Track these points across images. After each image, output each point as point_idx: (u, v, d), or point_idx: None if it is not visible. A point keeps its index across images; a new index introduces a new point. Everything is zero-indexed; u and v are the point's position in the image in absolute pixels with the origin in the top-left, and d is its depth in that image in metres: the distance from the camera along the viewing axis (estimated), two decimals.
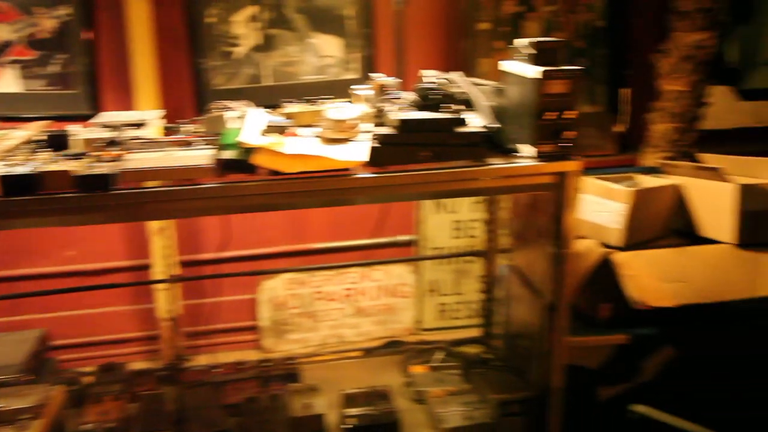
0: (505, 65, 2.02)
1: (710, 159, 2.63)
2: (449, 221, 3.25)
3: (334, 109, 1.90)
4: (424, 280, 3.30)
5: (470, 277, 3.27)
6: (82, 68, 2.77)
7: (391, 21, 2.90)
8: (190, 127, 2.03)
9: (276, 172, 1.76)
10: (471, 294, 3.27)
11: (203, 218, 3.00)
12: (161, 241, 2.90)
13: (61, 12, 2.71)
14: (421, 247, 3.25)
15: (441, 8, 3.02)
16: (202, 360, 2.93)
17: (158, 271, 2.93)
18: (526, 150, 1.92)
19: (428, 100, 1.92)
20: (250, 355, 2.96)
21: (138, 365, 2.74)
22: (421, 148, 1.84)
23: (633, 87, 3.20)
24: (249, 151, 1.78)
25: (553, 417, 2.15)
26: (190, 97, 2.88)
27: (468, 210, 3.24)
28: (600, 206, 2.38)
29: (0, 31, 2.69)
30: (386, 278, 3.26)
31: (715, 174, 2.40)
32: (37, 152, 1.80)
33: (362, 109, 1.95)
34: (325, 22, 2.92)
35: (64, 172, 1.65)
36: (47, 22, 2.71)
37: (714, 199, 2.38)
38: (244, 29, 2.88)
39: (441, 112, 1.88)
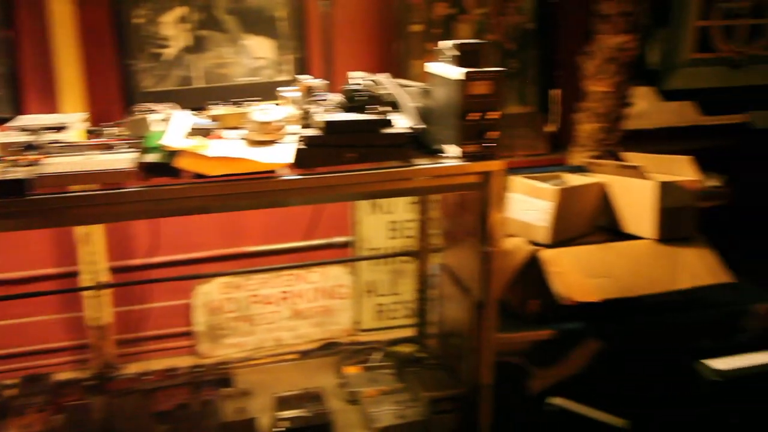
0: (431, 67, 2.05)
1: (633, 157, 2.72)
2: (385, 222, 3.27)
3: (260, 111, 1.89)
4: (361, 281, 3.31)
5: (407, 277, 3.29)
6: (1, 69, 2.67)
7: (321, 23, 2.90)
8: (114, 131, 1.99)
9: (200, 175, 1.75)
10: (408, 294, 3.29)
11: (133, 223, 2.93)
12: (87, 247, 2.82)
13: None
14: (357, 248, 3.26)
15: (374, 10, 3.03)
16: (133, 368, 2.86)
17: (86, 278, 2.86)
18: (452, 150, 1.95)
19: (354, 101, 1.93)
20: (186, 362, 2.91)
21: (66, 375, 2.66)
22: (346, 150, 1.85)
23: (562, 88, 3.27)
24: (172, 154, 1.76)
25: (484, 413, 2.19)
26: (118, 99, 2.81)
27: (404, 210, 3.27)
28: (528, 205, 2.44)
29: None
30: (323, 280, 3.26)
31: (636, 172, 2.48)
32: None
33: (288, 111, 1.95)
34: (257, 23, 2.89)
35: None
36: None
37: (636, 197, 2.47)
38: (173, 30, 2.83)
39: (367, 113, 1.90)
